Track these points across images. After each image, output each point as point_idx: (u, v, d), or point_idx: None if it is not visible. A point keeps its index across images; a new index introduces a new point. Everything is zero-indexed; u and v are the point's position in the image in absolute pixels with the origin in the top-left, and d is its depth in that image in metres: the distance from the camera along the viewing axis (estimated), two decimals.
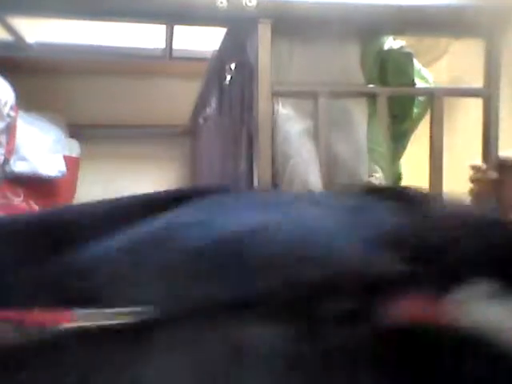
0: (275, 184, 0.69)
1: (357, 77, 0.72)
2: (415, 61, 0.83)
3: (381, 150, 0.73)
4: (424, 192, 0.64)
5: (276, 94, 0.68)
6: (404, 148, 0.85)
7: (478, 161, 0.74)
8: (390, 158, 0.76)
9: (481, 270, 0.34)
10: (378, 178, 0.71)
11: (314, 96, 0.69)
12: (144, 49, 1.46)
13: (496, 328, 0.31)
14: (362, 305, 0.32)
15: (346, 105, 0.71)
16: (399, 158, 0.83)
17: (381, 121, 0.72)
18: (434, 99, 0.73)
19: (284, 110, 0.70)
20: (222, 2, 0.66)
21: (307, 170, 0.69)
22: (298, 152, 0.68)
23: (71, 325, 1.63)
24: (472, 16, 0.72)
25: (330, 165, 0.69)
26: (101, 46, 1.44)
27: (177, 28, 1.19)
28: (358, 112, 0.71)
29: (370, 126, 0.72)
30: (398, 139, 0.80)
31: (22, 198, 1.51)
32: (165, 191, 0.45)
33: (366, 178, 0.71)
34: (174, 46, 1.31)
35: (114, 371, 0.33)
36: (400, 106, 0.81)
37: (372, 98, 0.72)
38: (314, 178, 0.69)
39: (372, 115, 0.73)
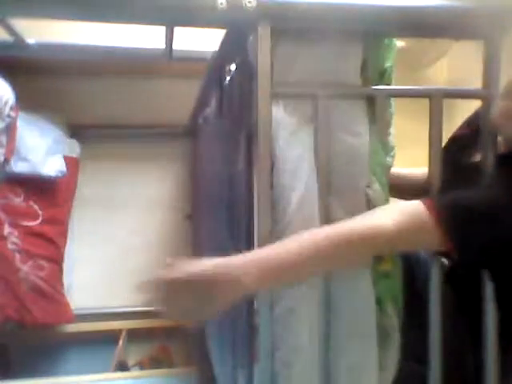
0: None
1: (356, 79, 0.72)
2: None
3: (379, 158, 0.72)
4: None
5: (276, 96, 0.68)
6: None
7: None
8: (386, 166, 0.75)
9: None
10: (375, 190, 0.71)
11: (313, 98, 0.69)
12: (144, 49, 1.46)
13: None
14: None
15: (346, 108, 0.71)
16: None
17: (380, 125, 0.72)
18: (433, 100, 0.73)
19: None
20: (221, 3, 0.66)
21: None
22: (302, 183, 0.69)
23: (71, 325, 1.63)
24: (471, 17, 0.72)
25: (328, 173, 0.69)
26: (101, 47, 1.44)
27: (177, 29, 1.19)
28: (358, 116, 0.71)
29: (369, 132, 0.72)
30: None
31: (22, 198, 1.51)
32: None
33: (363, 189, 0.71)
34: (174, 47, 1.31)
35: None
36: None
37: (371, 100, 0.72)
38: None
39: (371, 120, 0.72)
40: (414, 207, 0.64)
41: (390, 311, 0.73)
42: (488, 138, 0.73)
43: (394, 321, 0.73)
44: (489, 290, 0.71)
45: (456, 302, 0.77)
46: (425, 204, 0.63)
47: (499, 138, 0.74)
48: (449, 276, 0.76)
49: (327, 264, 0.63)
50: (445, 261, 0.78)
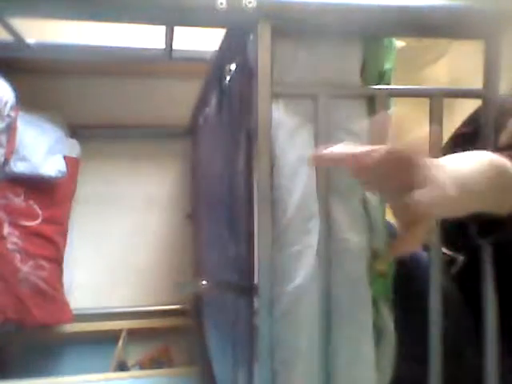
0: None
1: (356, 79, 0.72)
2: None
3: None
4: None
5: (276, 96, 0.68)
6: None
7: None
8: None
9: None
10: None
11: (313, 98, 0.69)
12: (144, 49, 1.46)
13: None
14: None
15: (346, 108, 0.71)
16: None
17: None
18: (433, 100, 0.73)
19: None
20: (221, 3, 0.66)
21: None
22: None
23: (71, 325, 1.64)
24: (471, 17, 0.72)
25: (327, 173, 0.69)
26: (101, 47, 1.44)
27: (177, 29, 1.19)
28: (358, 116, 0.71)
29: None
30: None
31: (22, 198, 1.52)
32: None
33: (361, 190, 0.70)
34: (174, 47, 1.31)
35: None
36: None
37: (371, 100, 0.72)
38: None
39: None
40: None
41: (385, 311, 0.74)
42: (489, 136, 0.73)
43: (388, 321, 0.74)
44: (490, 289, 0.71)
45: (464, 301, 0.77)
46: None
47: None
48: (462, 273, 0.76)
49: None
50: (460, 257, 0.78)
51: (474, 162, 0.56)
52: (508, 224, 0.59)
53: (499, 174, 0.56)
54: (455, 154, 0.58)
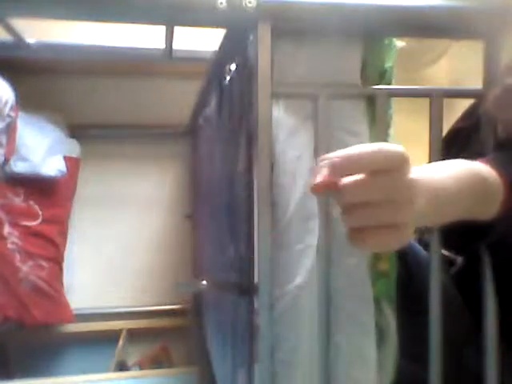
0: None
1: (356, 79, 0.72)
2: None
3: None
4: None
5: (276, 96, 0.68)
6: None
7: None
8: None
9: None
10: None
11: (313, 98, 0.69)
12: (144, 49, 1.47)
13: None
14: None
15: (346, 108, 0.71)
16: None
17: (380, 125, 0.72)
18: (433, 100, 0.73)
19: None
20: (221, 3, 0.66)
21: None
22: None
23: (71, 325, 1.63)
24: (471, 18, 0.72)
25: None
26: (101, 47, 1.44)
27: (177, 29, 1.19)
28: (358, 116, 0.71)
29: (369, 132, 0.72)
30: None
31: (22, 198, 1.52)
32: None
33: None
34: (174, 47, 1.31)
35: None
36: None
37: (371, 100, 0.72)
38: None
39: (370, 120, 0.72)
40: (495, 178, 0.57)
41: (387, 311, 0.74)
42: (488, 130, 0.73)
43: (390, 320, 0.74)
44: (489, 289, 0.71)
45: (463, 302, 0.77)
46: (500, 178, 0.57)
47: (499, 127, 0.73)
48: (460, 275, 0.76)
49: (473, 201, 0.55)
50: (459, 259, 0.78)
51: (450, 172, 0.55)
52: (497, 227, 0.59)
53: (479, 181, 0.56)
54: (431, 164, 0.58)
